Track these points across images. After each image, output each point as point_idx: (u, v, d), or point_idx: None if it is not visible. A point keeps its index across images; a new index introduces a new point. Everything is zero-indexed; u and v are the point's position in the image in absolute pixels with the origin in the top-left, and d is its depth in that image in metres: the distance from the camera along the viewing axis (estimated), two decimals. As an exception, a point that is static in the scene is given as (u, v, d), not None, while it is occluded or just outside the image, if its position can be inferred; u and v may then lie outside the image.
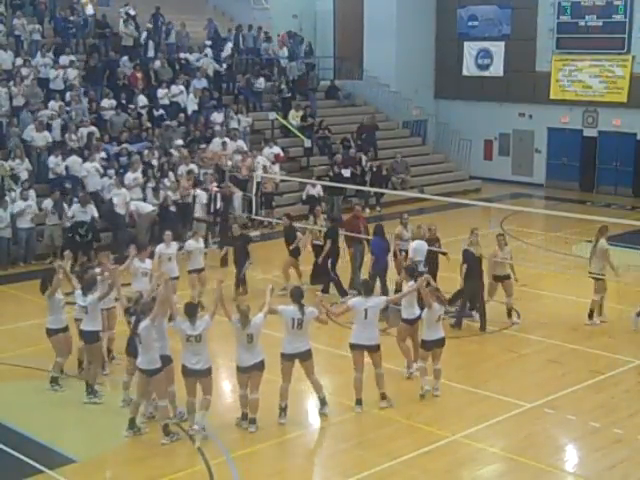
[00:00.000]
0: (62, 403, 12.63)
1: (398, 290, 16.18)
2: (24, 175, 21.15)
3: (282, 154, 26.31)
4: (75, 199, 20.77)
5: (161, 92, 26.50)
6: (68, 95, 24.79)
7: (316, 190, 25.52)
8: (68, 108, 24.35)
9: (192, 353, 11.19)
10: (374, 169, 27.61)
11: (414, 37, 32.58)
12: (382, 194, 26.11)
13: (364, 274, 17.11)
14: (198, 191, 22.42)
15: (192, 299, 14.13)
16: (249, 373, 11.45)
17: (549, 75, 30.85)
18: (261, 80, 29.38)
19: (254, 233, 22.91)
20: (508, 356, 14.69)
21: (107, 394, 12.75)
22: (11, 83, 24.25)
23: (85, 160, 22.21)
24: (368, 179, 27.22)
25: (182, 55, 29.15)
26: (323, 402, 12.14)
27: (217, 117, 26.61)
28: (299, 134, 28.21)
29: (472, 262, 15.64)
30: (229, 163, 24.66)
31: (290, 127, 28.41)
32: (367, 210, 26.01)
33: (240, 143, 25.75)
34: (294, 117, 28.66)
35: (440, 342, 12.86)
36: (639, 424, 11.97)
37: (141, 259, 14.79)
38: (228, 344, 11.75)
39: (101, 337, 12.87)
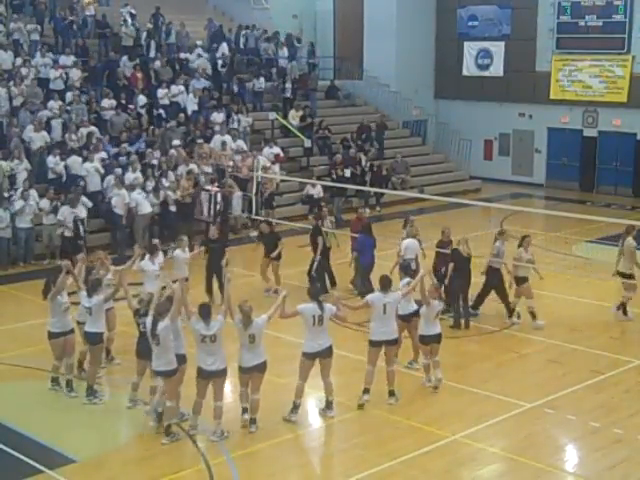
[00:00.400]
0: (62, 403, 12.63)
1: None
2: (23, 175, 21.15)
3: (282, 154, 26.32)
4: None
5: (161, 92, 26.51)
6: (69, 95, 24.81)
7: (316, 190, 25.54)
8: (68, 108, 24.37)
9: (207, 354, 11.15)
10: (374, 169, 27.60)
11: (414, 37, 32.59)
12: (382, 194, 26.11)
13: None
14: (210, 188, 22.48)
15: None
16: (250, 374, 11.43)
17: (549, 75, 30.85)
18: (261, 80, 29.37)
19: (254, 233, 22.94)
20: (508, 356, 14.69)
21: (106, 394, 12.74)
22: (11, 83, 24.28)
23: (85, 160, 22.21)
24: (368, 179, 27.23)
25: (182, 55, 29.16)
26: (330, 405, 12.12)
27: (217, 117, 26.61)
28: (299, 134, 28.21)
29: (460, 261, 15.75)
30: (230, 163, 24.63)
31: (290, 127, 28.42)
32: (367, 210, 25.99)
33: (240, 143, 25.75)
34: (294, 117, 28.67)
35: (438, 337, 13.00)
36: (639, 424, 11.97)
37: (152, 260, 14.74)
38: (231, 345, 11.71)
39: (104, 339, 12.81)
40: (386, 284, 12.44)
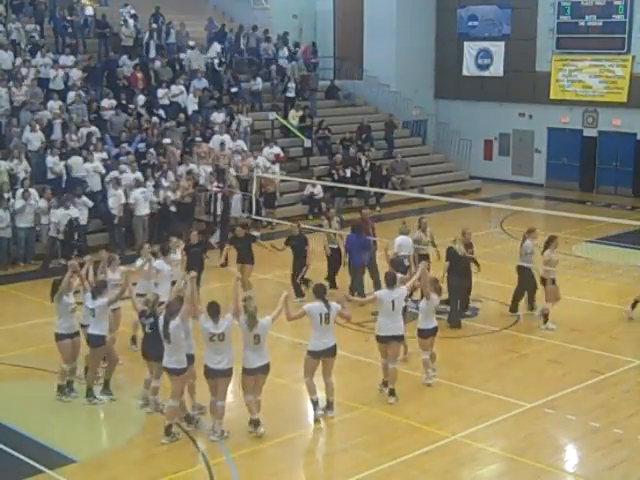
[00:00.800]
0: (62, 403, 12.61)
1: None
2: (22, 175, 21.12)
3: (282, 154, 26.32)
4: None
5: (161, 92, 26.51)
6: (71, 95, 24.79)
7: (316, 190, 25.57)
8: (70, 107, 24.37)
9: (215, 352, 11.14)
10: (374, 169, 27.59)
11: (414, 37, 32.59)
12: (382, 194, 26.11)
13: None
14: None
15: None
16: (254, 375, 11.36)
17: (549, 75, 30.85)
18: (258, 80, 29.32)
19: (255, 233, 22.92)
20: (508, 356, 14.69)
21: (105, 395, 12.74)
22: (11, 83, 24.28)
23: (85, 160, 22.20)
24: (368, 179, 27.22)
25: (182, 55, 29.16)
26: (330, 405, 12.12)
27: (217, 117, 26.60)
28: (299, 134, 28.21)
29: (454, 260, 15.81)
30: (227, 162, 24.59)
31: (290, 127, 28.42)
32: (367, 210, 25.97)
33: (240, 143, 25.74)
34: (294, 117, 28.67)
35: (435, 330, 13.24)
36: (639, 424, 11.97)
37: (166, 261, 14.66)
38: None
39: (106, 341, 12.63)
40: (391, 280, 12.62)
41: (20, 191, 20.26)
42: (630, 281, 17.52)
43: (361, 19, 33.51)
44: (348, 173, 26.79)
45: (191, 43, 29.72)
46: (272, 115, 28.01)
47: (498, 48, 32.08)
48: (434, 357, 13.41)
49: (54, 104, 24.18)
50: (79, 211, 20.63)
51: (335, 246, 17.82)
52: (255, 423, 11.45)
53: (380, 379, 12.94)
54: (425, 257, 16.66)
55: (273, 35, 32.37)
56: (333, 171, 26.91)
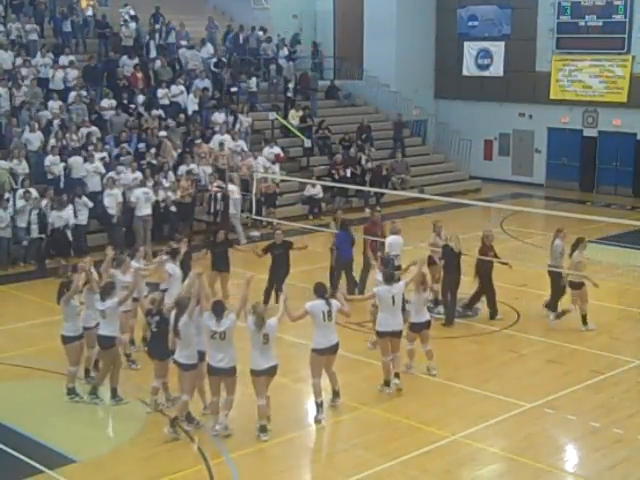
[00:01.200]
0: (62, 403, 12.61)
1: (436, 299, 16.56)
2: (22, 176, 21.12)
3: (282, 154, 26.31)
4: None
5: (161, 92, 26.51)
6: (71, 95, 24.80)
7: (316, 190, 25.57)
8: (70, 107, 24.37)
9: (216, 350, 11.17)
10: (374, 168, 27.58)
11: (414, 37, 32.59)
12: (382, 194, 26.11)
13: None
14: (230, 186, 22.39)
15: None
16: (263, 377, 11.31)
17: (549, 75, 30.85)
18: (253, 80, 29.29)
19: (254, 233, 22.95)
20: (508, 356, 14.69)
21: (106, 393, 12.74)
22: (11, 83, 24.28)
23: (85, 160, 22.19)
24: (368, 179, 27.21)
25: (180, 53, 29.13)
26: (337, 394, 12.29)
27: (218, 117, 26.61)
28: (299, 134, 28.21)
29: (450, 257, 15.87)
30: (226, 162, 24.58)
31: (290, 127, 28.41)
32: (367, 210, 25.97)
33: (240, 143, 25.71)
34: (294, 117, 28.67)
35: (428, 324, 13.37)
36: (639, 424, 11.97)
37: (177, 264, 14.52)
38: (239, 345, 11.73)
39: (117, 343, 12.55)
40: (390, 277, 12.79)
41: (20, 191, 20.25)
42: (630, 281, 17.52)
43: (361, 19, 33.51)
44: (348, 173, 26.80)
45: (183, 42, 29.61)
46: (272, 115, 28.01)
47: (498, 48, 32.08)
48: (431, 354, 13.49)
49: (54, 104, 24.19)
50: (79, 211, 20.65)
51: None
52: (262, 429, 11.42)
53: (381, 380, 12.93)
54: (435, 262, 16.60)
55: (273, 35, 32.35)
56: (333, 171, 26.91)
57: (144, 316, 12.32)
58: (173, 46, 29.78)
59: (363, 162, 27.61)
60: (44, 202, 20.24)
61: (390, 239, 16.63)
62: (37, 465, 10.68)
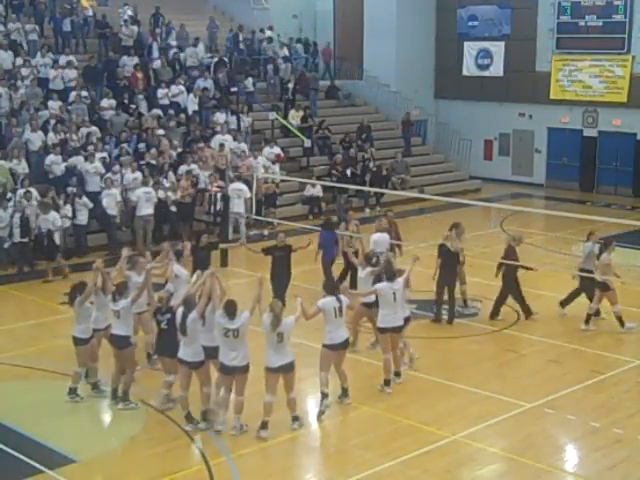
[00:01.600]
0: (62, 403, 12.60)
1: (464, 300, 16.68)
2: (21, 176, 21.11)
3: (282, 154, 26.29)
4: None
5: (161, 92, 26.51)
6: (71, 95, 24.80)
7: (316, 190, 25.57)
8: (70, 107, 24.38)
9: (230, 349, 11.23)
10: (374, 168, 27.58)
11: (414, 37, 32.59)
12: (382, 194, 26.11)
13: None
14: (240, 185, 22.38)
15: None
16: (279, 374, 11.38)
17: (549, 75, 30.85)
18: (249, 80, 29.28)
19: (253, 232, 22.96)
20: (508, 356, 14.69)
21: (106, 393, 12.74)
22: (11, 82, 24.29)
23: (85, 160, 22.19)
24: (368, 179, 27.19)
25: (180, 54, 29.17)
26: (345, 392, 12.40)
27: (220, 117, 26.61)
28: (299, 134, 28.21)
29: (446, 256, 15.93)
30: (224, 162, 24.57)
31: (290, 127, 28.42)
32: (367, 210, 26.04)
33: (241, 145, 25.68)
34: (294, 117, 28.68)
35: (407, 320, 13.44)
36: (639, 424, 11.97)
37: (183, 265, 14.33)
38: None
39: (132, 342, 12.48)
40: (391, 274, 12.92)
41: (21, 191, 20.24)
42: (630, 281, 17.51)
43: (361, 19, 33.51)
44: (348, 173, 26.79)
45: (173, 42, 29.56)
46: (272, 115, 28.01)
47: (498, 48, 32.07)
48: (406, 345, 13.57)
49: (54, 104, 24.19)
50: (78, 211, 20.63)
51: (353, 249, 17.31)
52: (294, 419, 11.61)
53: (381, 379, 12.94)
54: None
55: (273, 35, 32.35)
56: (333, 171, 26.91)
57: (152, 315, 12.29)
58: (173, 46, 29.75)
59: (367, 163, 27.56)
60: (33, 204, 20.14)
61: (375, 236, 16.63)
62: (37, 465, 10.67)
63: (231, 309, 11.23)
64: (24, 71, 24.86)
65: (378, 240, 16.50)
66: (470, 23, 32.94)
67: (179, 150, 24.38)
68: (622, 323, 15.64)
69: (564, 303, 16.44)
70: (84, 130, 23.52)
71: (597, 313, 16.05)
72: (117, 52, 28.06)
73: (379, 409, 12.34)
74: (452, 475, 10.68)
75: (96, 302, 12.58)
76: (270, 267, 16.28)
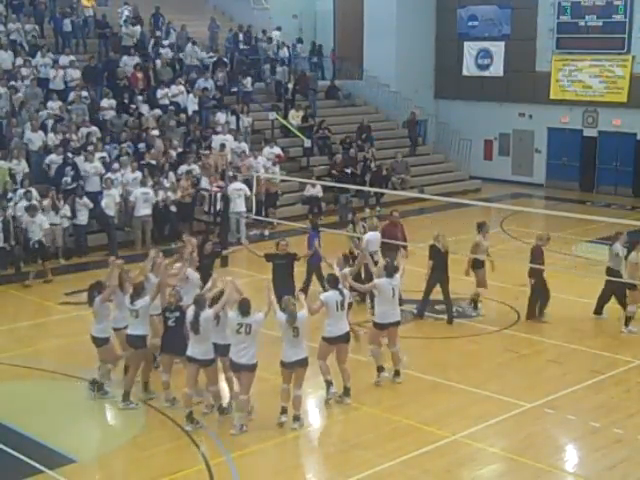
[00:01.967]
0: (62, 403, 12.64)
1: (474, 301, 16.63)
2: (20, 176, 21.10)
3: (282, 154, 26.26)
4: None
5: (161, 92, 26.50)
6: (71, 95, 24.81)
7: (316, 190, 25.56)
8: (70, 107, 24.38)
9: (240, 345, 11.33)
10: (374, 168, 27.59)
11: (414, 37, 32.60)
12: (382, 194, 26.10)
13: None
14: (240, 184, 22.38)
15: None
16: (293, 369, 11.59)
17: (549, 75, 30.85)
18: (248, 80, 29.28)
19: (253, 232, 22.96)
20: (508, 356, 14.69)
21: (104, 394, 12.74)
22: (11, 83, 24.29)
23: (85, 160, 22.18)
24: (368, 179, 27.19)
25: (180, 54, 29.18)
26: (347, 392, 12.42)
27: (221, 117, 26.61)
28: (299, 134, 28.22)
29: (437, 257, 15.94)
30: (224, 163, 24.56)
31: (290, 127, 28.43)
32: (367, 210, 26.01)
33: (242, 145, 25.67)
34: (294, 117, 28.68)
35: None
36: (639, 424, 11.97)
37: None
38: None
39: (148, 343, 12.51)
40: (392, 270, 13.00)
41: (21, 191, 20.24)
42: (630, 281, 17.48)
43: (361, 19, 33.51)
44: (349, 172, 26.79)
45: (165, 42, 29.50)
46: (272, 115, 28.02)
47: (498, 48, 32.08)
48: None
49: (54, 104, 24.19)
50: (78, 212, 20.63)
51: (359, 251, 17.42)
52: (295, 418, 11.66)
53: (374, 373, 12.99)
54: (480, 264, 16.42)
55: (280, 36, 32.40)
56: (333, 171, 26.91)
57: (161, 312, 12.26)
58: (173, 46, 29.76)
59: (368, 162, 27.57)
60: (47, 202, 20.18)
61: (368, 235, 16.60)
62: (37, 465, 10.66)
63: (245, 307, 11.39)
64: (24, 71, 24.87)
65: (372, 239, 16.50)
66: (470, 23, 32.94)
67: (179, 150, 24.37)
68: (628, 323, 15.61)
69: (598, 311, 16.29)
70: (84, 130, 23.53)
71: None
72: (117, 52, 28.06)
73: (379, 409, 12.34)
74: (452, 475, 10.68)
75: (115, 301, 12.60)
76: (271, 276, 15.07)
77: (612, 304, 16.57)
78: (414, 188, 28.11)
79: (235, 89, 28.80)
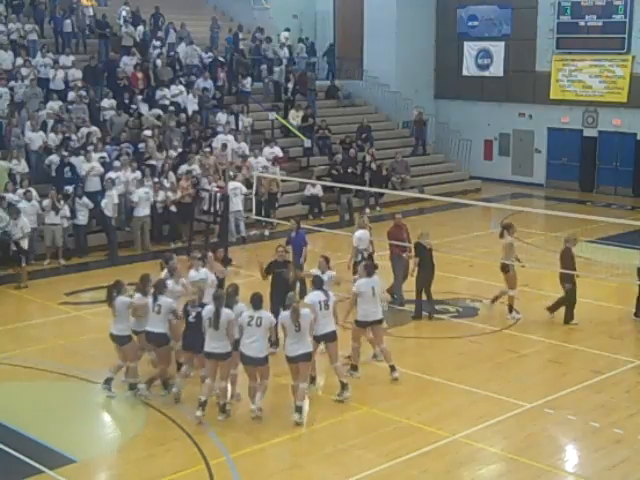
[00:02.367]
0: (62, 403, 12.63)
1: (510, 305, 16.47)
2: (19, 177, 21.11)
3: (281, 154, 26.11)
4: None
5: (160, 92, 26.49)
6: (71, 95, 24.80)
7: (316, 189, 25.56)
8: (70, 107, 24.38)
9: (250, 338, 11.56)
10: (373, 168, 27.58)
11: (414, 37, 32.59)
12: (382, 194, 26.09)
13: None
14: (237, 183, 22.45)
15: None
16: (296, 363, 11.80)
17: (549, 75, 30.85)
18: (248, 80, 29.27)
19: (253, 232, 22.95)
20: (508, 356, 14.68)
21: (103, 393, 12.73)
22: (11, 83, 24.29)
23: (84, 160, 22.16)
24: (367, 178, 27.18)
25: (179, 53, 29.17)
26: (345, 387, 12.53)
27: (221, 117, 26.60)
28: (299, 134, 28.21)
29: (423, 254, 16.05)
30: (225, 162, 24.54)
31: (290, 127, 28.43)
32: (367, 210, 25.98)
33: (242, 145, 25.67)
34: (294, 117, 28.69)
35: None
36: (639, 424, 11.97)
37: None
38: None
39: (171, 341, 12.59)
40: (371, 270, 13.29)
41: (21, 191, 20.24)
42: (630, 281, 17.50)
43: (361, 19, 33.51)
44: (349, 171, 26.78)
45: (157, 43, 29.38)
46: (272, 115, 28.02)
47: (498, 48, 32.09)
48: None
49: (54, 104, 24.19)
50: (79, 212, 20.62)
51: (366, 253, 17.02)
52: (297, 409, 11.80)
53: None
54: (506, 269, 16.33)
55: (273, 35, 32.35)
56: (333, 171, 26.90)
57: (183, 308, 12.34)
58: (173, 46, 29.77)
59: (367, 162, 27.56)
60: (47, 202, 20.16)
61: (358, 233, 16.64)
62: (37, 465, 10.67)
63: (257, 300, 11.66)
64: (24, 71, 24.86)
65: (362, 237, 16.56)
66: (470, 23, 32.94)
67: (179, 150, 24.36)
68: None
69: (638, 313, 16.24)
70: (84, 130, 23.52)
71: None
72: (117, 52, 28.06)
73: (379, 409, 12.34)
74: (452, 475, 10.67)
75: (138, 300, 12.63)
76: (270, 287, 14.26)
77: (610, 304, 16.60)
78: (414, 188, 28.11)
79: (235, 89, 28.78)
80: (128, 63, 27.25)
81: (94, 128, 23.81)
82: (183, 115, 26.05)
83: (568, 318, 16.05)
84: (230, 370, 12.01)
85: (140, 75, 26.83)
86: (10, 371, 13.92)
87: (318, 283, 12.59)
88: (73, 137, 23.06)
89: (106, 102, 25.22)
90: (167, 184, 22.37)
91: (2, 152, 21.98)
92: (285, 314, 11.78)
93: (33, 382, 13.47)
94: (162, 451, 11.10)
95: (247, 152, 25.36)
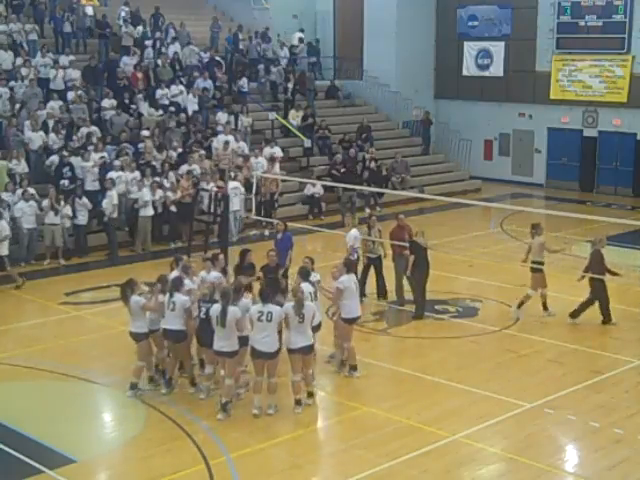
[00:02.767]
0: (62, 403, 12.63)
1: (544, 304, 16.47)
2: (19, 177, 21.11)
3: (278, 154, 26.04)
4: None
5: (161, 92, 26.49)
6: (71, 95, 24.80)
7: (316, 189, 25.57)
8: (70, 107, 24.37)
9: (261, 333, 11.66)
10: (373, 167, 27.58)
11: (414, 37, 32.59)
12: (382, 194, 26.09)
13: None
14: (236, 183, 22.47)
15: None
16: (300, 355, 11.91)
17: (549, 75, 30.85)
18: (244, 80, 29.25)
19: (253, 232, 22.96)
20: (508, 356, 14.68)
21: (106, 393, 12.74)
22: (11, 83, 24.29)
23: (83, 160, 22.16)
24: (366, 178, 27.17)
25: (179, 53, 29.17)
26: (310, 395, 12.48)
27: (222, 117, 26.59)
28: (299, 134, 28.21)
29: (419, 253, 16.10)
30: (227, 162, 24.54)
31: (290, 127, 28.42)
32: (367, 210, 25.97)
33: (242, 145, 25.67)
34: (294, 117, 28.69)
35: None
36: (639, 424, 11.96)
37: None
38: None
39: (188, 337, 12.68)
40: (351, 266, 13.53)
41: (20, 191, 20.23)
42: (630, 281, 17.52)
43: (361, 19, 33.51)
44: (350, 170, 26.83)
45: (148, 43, 29.38)
46: (272, 115, 28.02)
47: (498, 48, 32.09)
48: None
49: (54, 104, 24.19)
50: (78, 212, 20.61)
51: (374, 255, 17.15)
52: (297, 402, 12.03)
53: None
54: (538, 272, 16.33)
55: (273, 35, 32.35)
56: (333, 171, 26.91)
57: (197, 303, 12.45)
58: (173, 45, 29.76)
59: (367, 162, 27.57)
60: (46, 202, 20.16)
61: (353, 232, 16.78)
62: (37, 465, 10.67)
63: (266, 294, 11.80)
64: (24, 71, 24.87)
65: (357, 236, 16.70)
66: (470, 23, 32.94)
67: (179, 150, 24.36)
68: None
69: None
70: (84, 130, 23.52)
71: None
72: (117, 52, 28.06)
73: (379, 409, 12.34)
74: (452, 475, 10.67)
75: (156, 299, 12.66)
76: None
77: (613, 305, 16.57)
78: (414, 188, 28.11)
79: (235, 89, 28.79)
80: (128, 63, 27.26)
81: (94, 128, 23.81)
82: (183, 115, 26.06)
83: (607, 319, 16.00)
84: (237, 366, 12.07)
85: (140, 75, 26.84)
86: (10, 371, 13.92)
87: (305, 275, 12.71)
88: (73, 137, 23.04)
89: (106, 102, 25.22)
90: (167, 184, 22.37)
91: (2, 152, 21.97)
92: (288, 305, 11.90)
93: (33, 382, 13.47)
94: (162, 451, 11.10)
95: (246, 151, 25.36)
